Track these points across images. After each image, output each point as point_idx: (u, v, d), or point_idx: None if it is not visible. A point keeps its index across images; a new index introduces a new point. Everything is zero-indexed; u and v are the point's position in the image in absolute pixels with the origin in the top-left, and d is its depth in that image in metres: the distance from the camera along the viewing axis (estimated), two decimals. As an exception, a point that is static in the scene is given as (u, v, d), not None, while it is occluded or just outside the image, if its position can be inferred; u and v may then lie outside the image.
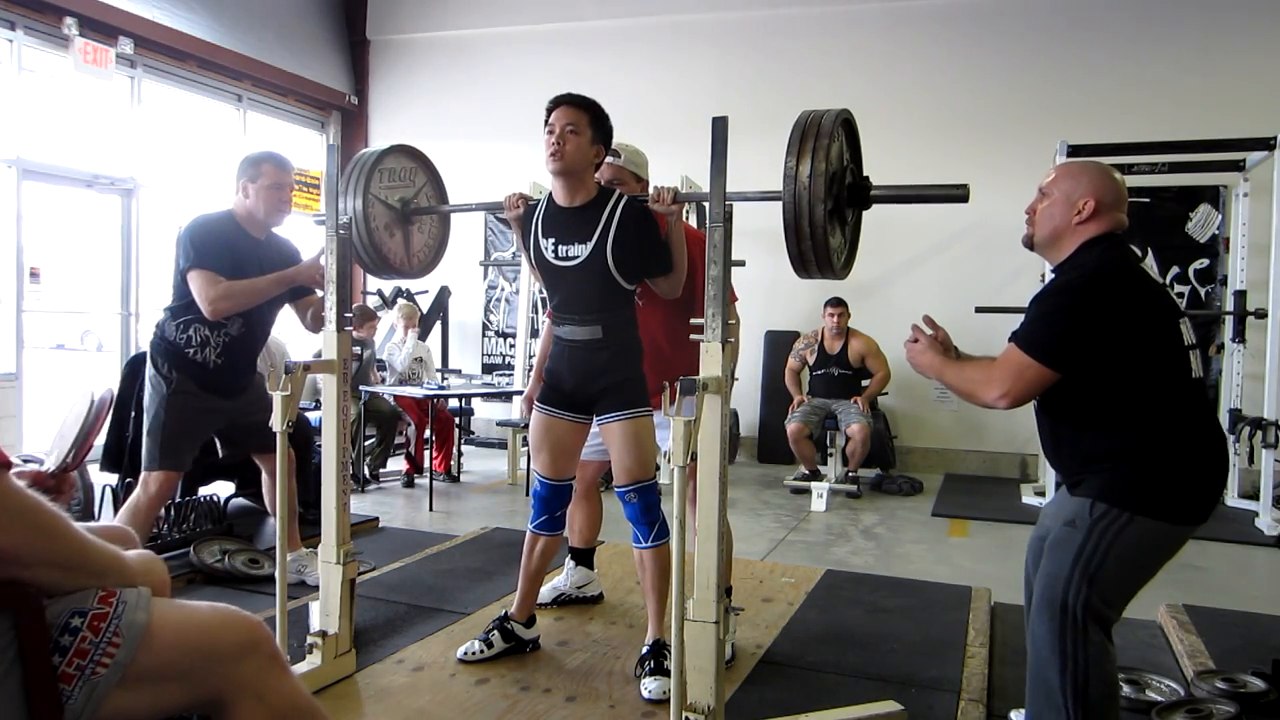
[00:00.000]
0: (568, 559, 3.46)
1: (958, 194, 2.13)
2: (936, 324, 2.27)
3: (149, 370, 3.28)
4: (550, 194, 2.77)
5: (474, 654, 2.86)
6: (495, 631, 2.90)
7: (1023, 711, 2.45)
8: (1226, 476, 2.11)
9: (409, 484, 6.04)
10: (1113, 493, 1.99)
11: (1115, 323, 1.96)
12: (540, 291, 6.64)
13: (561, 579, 3.45)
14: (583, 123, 2.61)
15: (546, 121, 2.64)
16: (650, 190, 2.53)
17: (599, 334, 2.70)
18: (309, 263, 3.21)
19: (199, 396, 3.24)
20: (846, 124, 2.18)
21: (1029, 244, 2.21)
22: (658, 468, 2.88)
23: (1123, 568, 2.00)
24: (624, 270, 2.66)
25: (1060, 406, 2.10)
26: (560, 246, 2.70)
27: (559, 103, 2.66)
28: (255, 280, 3.17)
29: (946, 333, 2.26)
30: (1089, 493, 2.03)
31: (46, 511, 1.32)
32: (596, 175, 2.76)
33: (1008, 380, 2.02)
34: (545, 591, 3.39)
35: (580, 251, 2.66)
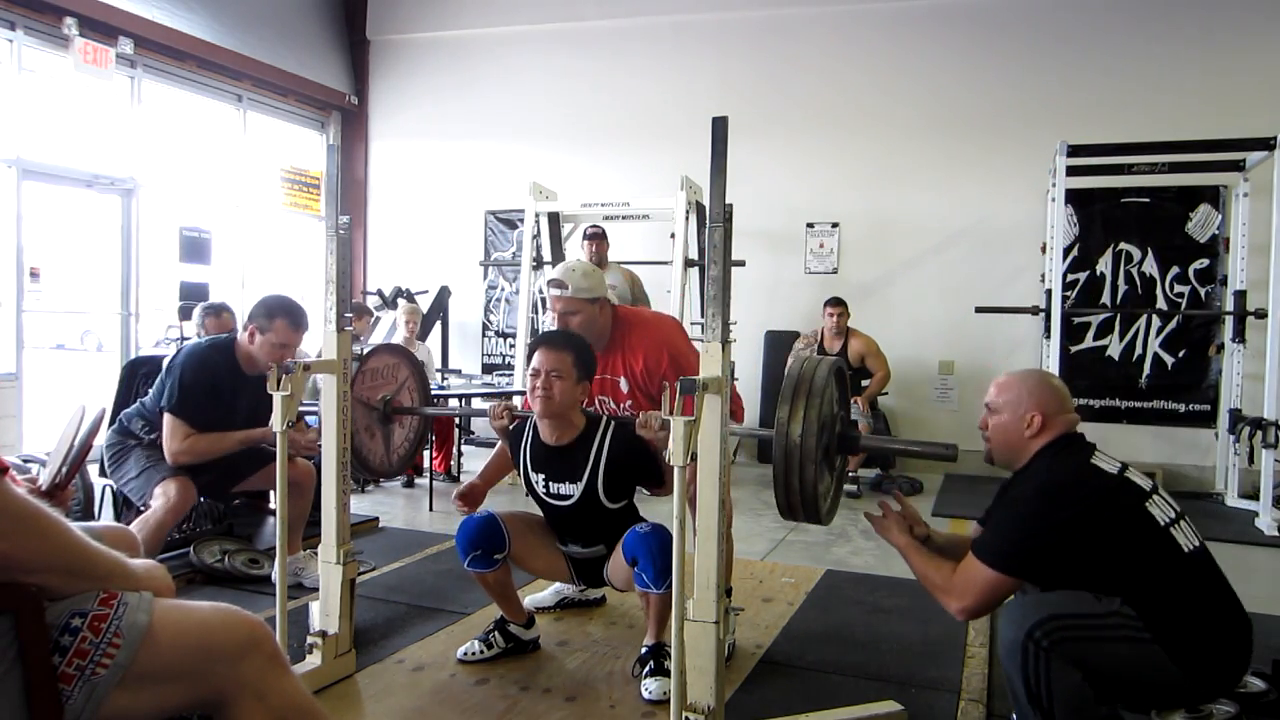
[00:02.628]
0: None
1: (946, 454, 2.23)
2: (904, 500, 2.35)
3: (107, 452, 3.42)
4: (535, 425, 2.78)
5: (474, 654, 2.86)
6: (495, 632, 2.90)
7: None
8: (1249, 652, 2.01)
9: (409, 484, 6.05)
10: (1144, 614, 1.95)
11: (1068, 534, 1.99)
12: (540, 291, 6.65)
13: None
14: (566, 365, 2.62)
15: (529, 360, 2.68)
16: (640, 419, 2.51)
17: (604, 551, 2.82)
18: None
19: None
20: (839, 374, 2.26)
21: (990, 460, 2.28)
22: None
23: (1119, 669, 1.95)
24: (617, 497, 2.75)
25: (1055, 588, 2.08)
26: (552, 484, 2.76)
27: (540, 344, 2.70)
28: (223, 436, 3.27)
29: (915, 510, 2.34)
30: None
31: (47, 517, 1.31)
32: (549, 312, 2.86)
33: (968, 594, 2.07)
34: (548, 595, 3.39)
35: (573, 491, 2.72)
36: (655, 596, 2.60)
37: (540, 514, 2.90)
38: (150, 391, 3.46)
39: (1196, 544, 2.06)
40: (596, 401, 2.95)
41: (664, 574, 2.54)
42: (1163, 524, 2.02)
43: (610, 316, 2.93)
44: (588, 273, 2.89)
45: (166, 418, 3.24)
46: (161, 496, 3.20)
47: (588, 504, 2.72)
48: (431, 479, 5.68)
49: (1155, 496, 2.07)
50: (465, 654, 2.87)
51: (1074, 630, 1.95)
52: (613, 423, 2.74)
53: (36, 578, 1.31)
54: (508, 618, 2.92)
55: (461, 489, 2.89)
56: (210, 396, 3.26)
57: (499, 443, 2.99)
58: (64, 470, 1.63)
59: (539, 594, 3.39)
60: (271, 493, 3.64)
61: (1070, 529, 1.99)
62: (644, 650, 2.73)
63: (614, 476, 2.70)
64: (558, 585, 3.41)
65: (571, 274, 2.85)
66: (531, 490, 2.82)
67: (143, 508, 3.28)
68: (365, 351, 3.00)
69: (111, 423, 3.52)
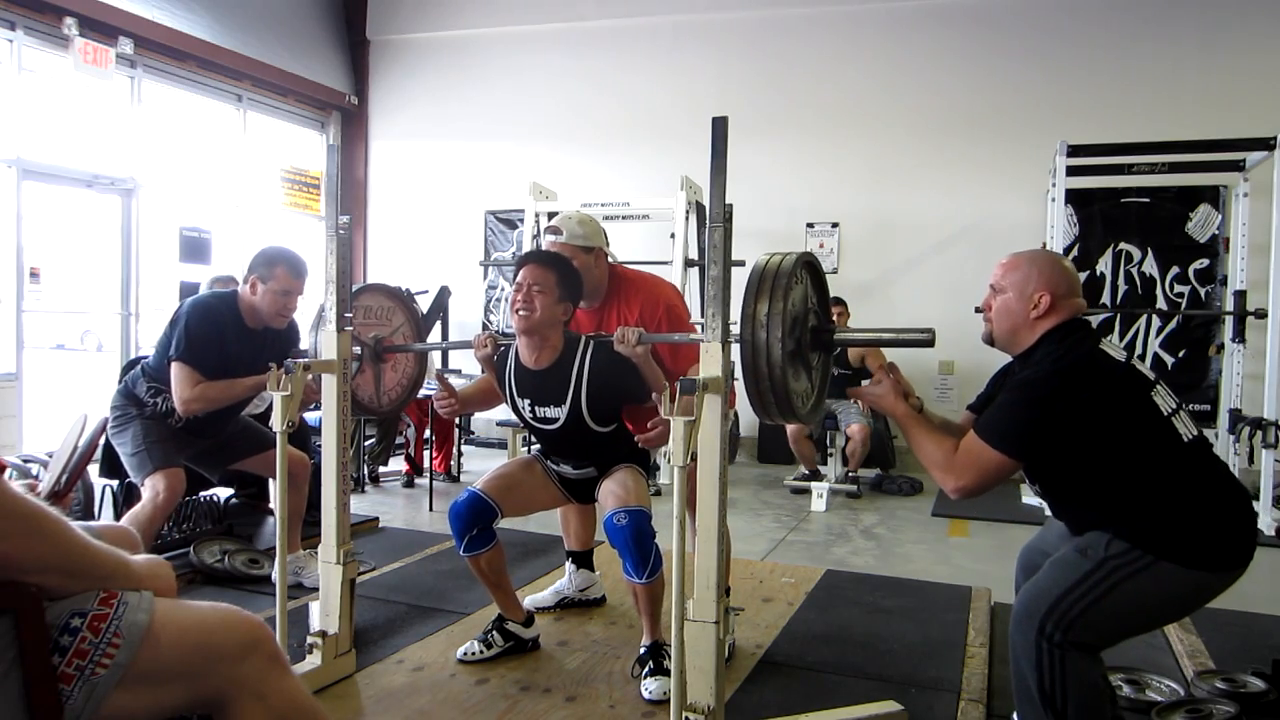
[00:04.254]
0: (568, 562, 3.45)
1: (923, 339, 2.12)
2: (899, 370, 2.30)
3: (111, 413, 3.34)
4: (516, 351, 2.77)
5: (474, 654, 2.86)
6: (494, 632, 2.90)
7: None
8: (1255, 519, 2.07)
9: (409, 484, 6.05)
10: (1135, 535, 1.96)
11: (1082, 415, 1.96)
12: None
13: (564, 582, 3.43)
14: (549, 282, 2.61)
15: (515, 277, 2.67)
16: (617, 334, 2.49)
17: (594, 472, 2.83)
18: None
19: (165, 424, 3.33)
20: (809, 266, 2.15)
21: (989, 340, 2.22)
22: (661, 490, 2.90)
23: (1129, 607, 1.96)
24: (603, 419, 2.73)
25: (1049, 483, 2.11)
26: (537, 408, 2.75)
27: (526, 261, 2.69)
28: (234, 383, 3.23)
29: (908, 381, 2.30)
30: (1108, 530, 1.99)
31: (48, 517, 1.31)
32: (545, 246, 2.85)
33: (968, 473, 2.02)
34: (548, 595, 3.38)
35: (558, 414, 2.71)
36: (641, 587, 2.62)
37: (517, 459, 2.98)
38: (154, 350, 3.40)
39: (1195, 433, 2.06)
40: None
41: (643, 563, 2.57)
42: (1165, 414, 2.02)
43: (606, 270, 2.92)
44: (584, 220, 2.88)
45: (175, 367, 3.18)
46: (150, 491, 3.18)
47: (574, 426, 2.71)
48: (431, 479, 5.69)
49: (1158, 387, 2.06)
50: (465, 654, 2.86)
51: (1079, 604, 1.94)
52: (591, 342, 2.71)
53: (38, 578, 1.30)
54: (505, 615, 2.91)
55: (442, 393, 2.80)
56: (217, 346, 3.22)
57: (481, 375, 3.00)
58: (65, 478, 1.63)
59: (539, 594, 3.39)
60: (271, 492, 3.64)
61: (1079, 411, 1.96)
62: (642, 650, 2.73)
63: (597, 397, 2.68)
64: (558, 585, 3.41)
65: (568, 220, 2.86)
66: (520, 416, 2.81)
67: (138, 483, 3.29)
68: (357, 288, 2.91)
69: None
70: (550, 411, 2.73)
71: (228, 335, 3.25)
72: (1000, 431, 2.01)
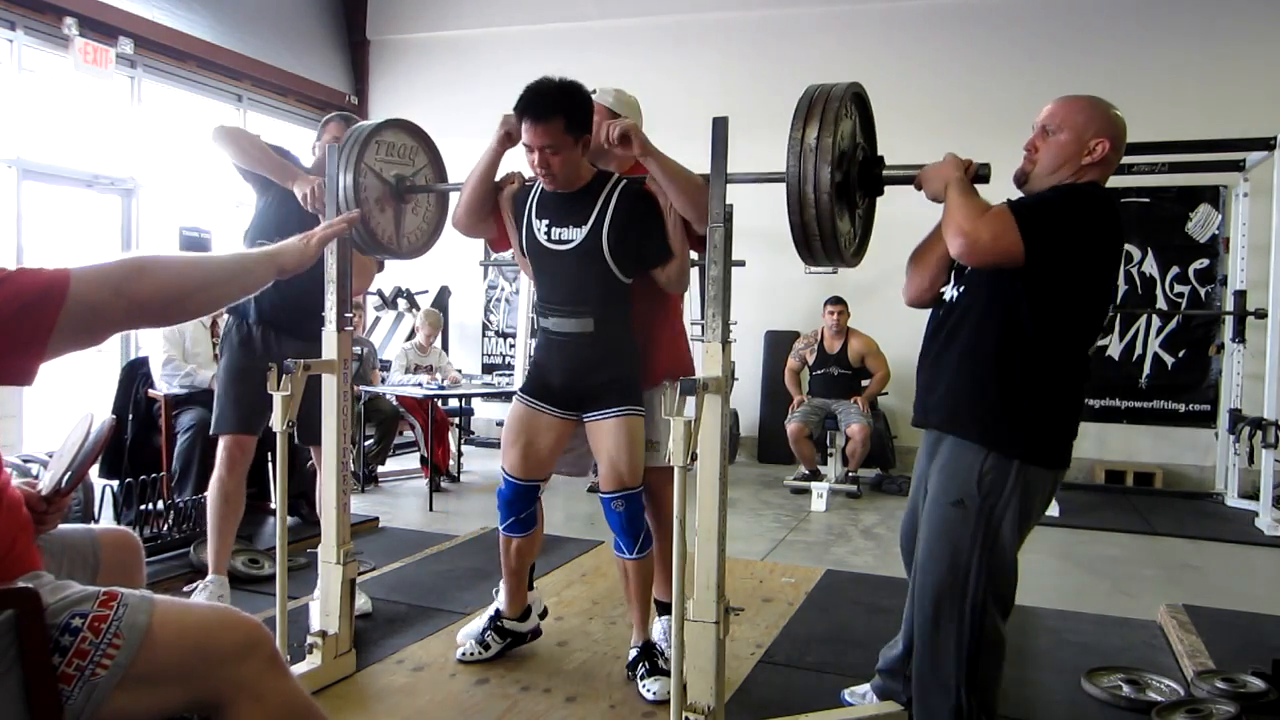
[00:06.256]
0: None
1: (981, 174, 2.07)
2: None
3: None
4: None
5: (472, 655, 2.84)
6: (491, 631, 2.87)
7: (865, 686, 2.51)
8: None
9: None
10: (1000, 438, 1.97)
11: (1094, 250, 1.96)
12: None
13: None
14: (558, 134, 2.40)
15: (520, 127, 2.45)
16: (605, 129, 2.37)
17: (590, 327, 2.55)
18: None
19: (251, 347, 3.14)
20: (858, 98, 2.06)
21: (1023, 179, 2.10)
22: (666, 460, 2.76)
23: (1016, 525, 1.99)
24: (621, 258, 2.52)
25: (1012, 330, 2.00)
26: (554, 229, 2.56)
27: (525, 117, 2.41)
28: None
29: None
30: (969, 435, 2.00)
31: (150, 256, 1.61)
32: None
33: (983, 229, 1.89)
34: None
35: (575, 235, 2.53)
36: (632, 562, 2.61)
37: (511, 420, 2.69)
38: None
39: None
40: None
41: (633, 540, 2.57)
42: (1104, 319, 2.09)
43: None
44: (622, 98, 2.75)
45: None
46: (219, 465, 3.14)
47: (588, 253, 2.51)
48: (432, 479, 5.68)
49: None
50: (464, 655, 2.85)
51: (981, 566, 1.96)
52: (624, 179, 2.57)
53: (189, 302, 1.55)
54: (502, 610, 2.86)
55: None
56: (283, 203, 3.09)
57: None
58: (66, 478, 1.62)
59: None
60: (271, 492, 3.63)
61: (1100, 246, 1.97)
62: (634, 653, 2.72)
63: (620, 227, 2.51)
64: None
65: (606, 92, 2.72)
66: (532, 244, 2.60)
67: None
68: (379, 122, 2.77)
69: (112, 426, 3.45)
70: (567, 233, 2.54)
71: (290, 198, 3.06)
72: (1028, 212, 1.92)
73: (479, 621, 2.98)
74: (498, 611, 2.90)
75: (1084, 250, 1.95)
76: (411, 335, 6.86)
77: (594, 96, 2.58)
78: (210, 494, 3.18)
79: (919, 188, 2.11)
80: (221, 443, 3.17)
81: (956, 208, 1.97)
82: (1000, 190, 2.12)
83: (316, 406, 2.66)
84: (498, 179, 2.71)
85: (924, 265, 2.25)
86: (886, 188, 2.19)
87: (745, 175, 2.15)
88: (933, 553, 2.03)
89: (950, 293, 2.18)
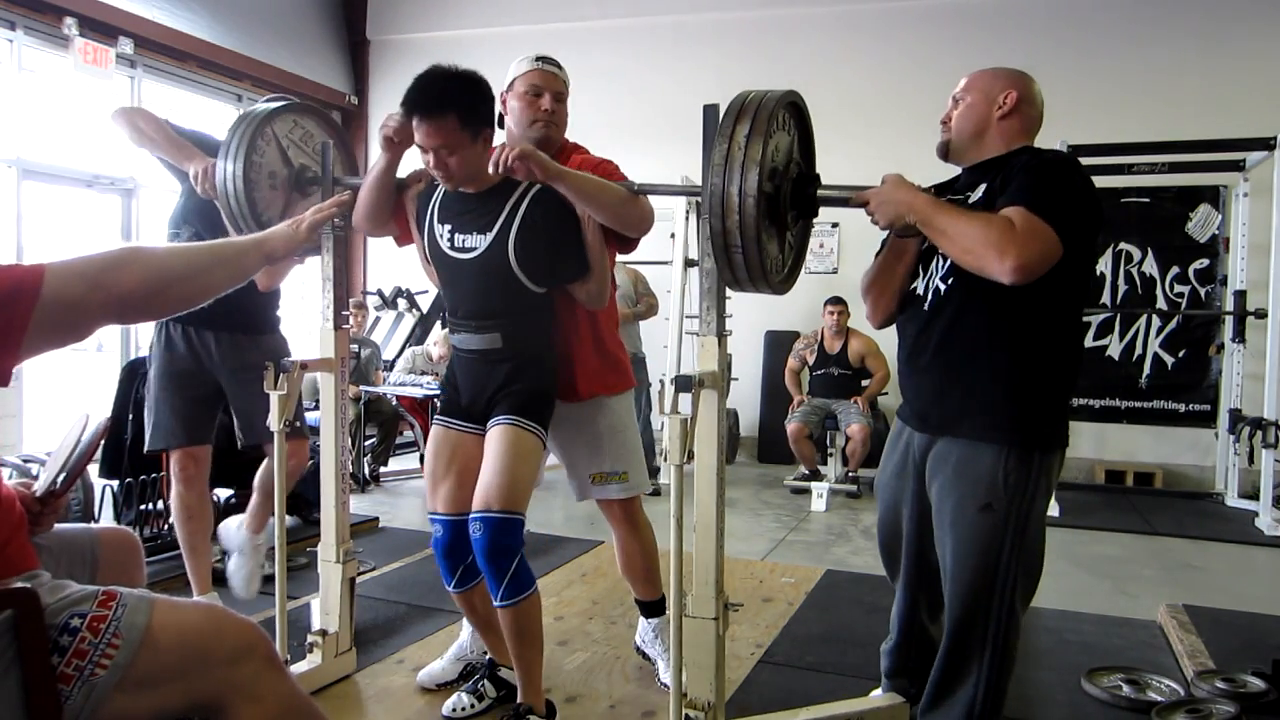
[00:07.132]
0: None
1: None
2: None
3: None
4: None
5: (463, 709, 2.48)
6: (485, 681, 2.58)
7: (878, 691, 2.46)
8: None
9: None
10: (1019, 435, 1.91)
11: (1095, 214, 1.86)
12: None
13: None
14: (452, 133, 2.17)
15: (414, 134, 2.25)
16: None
17: (498, 343, 2.33)
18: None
19: (175, 349, 2.93)
20: (793, 107, 1.88)
21: (944, 151, 2.08)
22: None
23: (1041, 516, 1.97)
24: (530, 269, 2.29)
25: (1016, 316, 1.89)
26: (457, 235, 2.33)
27: (413, 115, 2.20)
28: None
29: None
30: (984, 436, 1.92)
31: (140, 248, 1.52)
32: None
33: (1033, 242, 1.67)
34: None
35: (479, 243, 2.29)
36: (501, 610, 2.28)
37: (432, 449, 2.46)
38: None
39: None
40: None
41: (498, 578, 2.22)
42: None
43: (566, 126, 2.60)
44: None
45: None
46: (175, 482, 2.97)
47: (492, 262, 2.27)
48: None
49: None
50: (454, 709, 2.48)
51: (1013, 568, 1.92)
52: (537, 184, 2.28)
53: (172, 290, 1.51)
54: (496, 660, 2.59)
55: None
56: None
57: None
58: (62, 478, 1.61)
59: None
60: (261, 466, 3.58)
61: (1095, 212, 1.86)
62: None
63: (529, 234, 2.26)
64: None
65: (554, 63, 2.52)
66: (435, 252, 2.39)
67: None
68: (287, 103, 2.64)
69: (112, 426, 3.33)
70: (471, 240, 2.30)
71: None
72: (1054, 208, 1.73)
73: (441, 664, 2.71)
74: (492, 660, 2.61)
75: (1090, 220, 1.86)
76: (412, 335, 6.85)
77: (555, 60, 2.42)
78: (174, 515, 3.00)
79: (869, 213, 1.92)
80: (172, 458, 2.96)
81: (969, 235, 1.74)
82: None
83: (259, 405, 2.56)
84: (408, 182, 2.49)
85: (887, 290, 2.16)
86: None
87: (654, 188, 2.18)
88: (964, 561, 1.95)
89: (929, 285, 2.04)
